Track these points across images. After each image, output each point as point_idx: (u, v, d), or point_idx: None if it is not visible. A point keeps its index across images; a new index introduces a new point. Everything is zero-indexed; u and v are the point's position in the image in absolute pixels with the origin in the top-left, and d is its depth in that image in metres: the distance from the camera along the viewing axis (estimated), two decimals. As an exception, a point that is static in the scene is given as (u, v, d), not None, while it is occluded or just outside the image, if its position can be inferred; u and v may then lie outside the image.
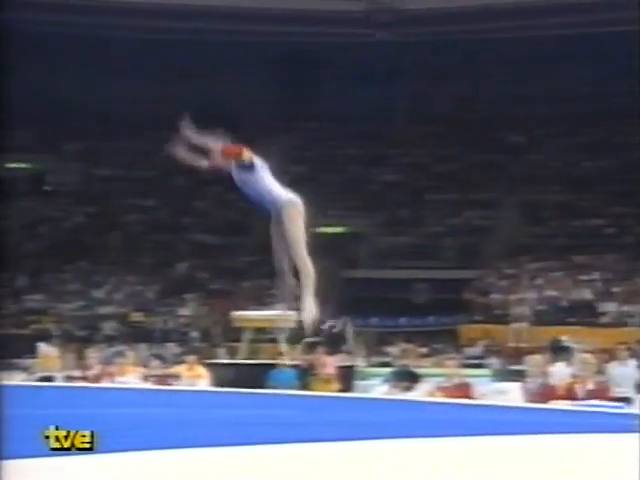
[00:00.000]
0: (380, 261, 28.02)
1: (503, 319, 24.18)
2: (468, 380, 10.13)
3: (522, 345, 21.71)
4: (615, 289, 24.79)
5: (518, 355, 18.55)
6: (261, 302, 25.32)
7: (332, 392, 12.72)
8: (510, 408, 8.42)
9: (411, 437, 5.11)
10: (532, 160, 30.08)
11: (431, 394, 9.92)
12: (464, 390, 9.66)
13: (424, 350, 21.08)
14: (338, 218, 29.53)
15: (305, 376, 14.31)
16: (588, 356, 9.73)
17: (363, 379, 16.18)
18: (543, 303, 24.84)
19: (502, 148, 30.00)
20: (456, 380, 9.89)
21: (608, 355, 12.35)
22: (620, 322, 23.49)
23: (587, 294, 24.84)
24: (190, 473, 3.79)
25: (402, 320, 25.05)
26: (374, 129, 31.12)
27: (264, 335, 20.07)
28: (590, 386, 8.90)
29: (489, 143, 30.10)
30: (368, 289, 26.40)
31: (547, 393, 8.96)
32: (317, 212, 29.47)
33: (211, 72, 31.10)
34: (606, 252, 26.34)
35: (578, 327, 23.07)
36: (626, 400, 9.43)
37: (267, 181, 6.74)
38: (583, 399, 8.73)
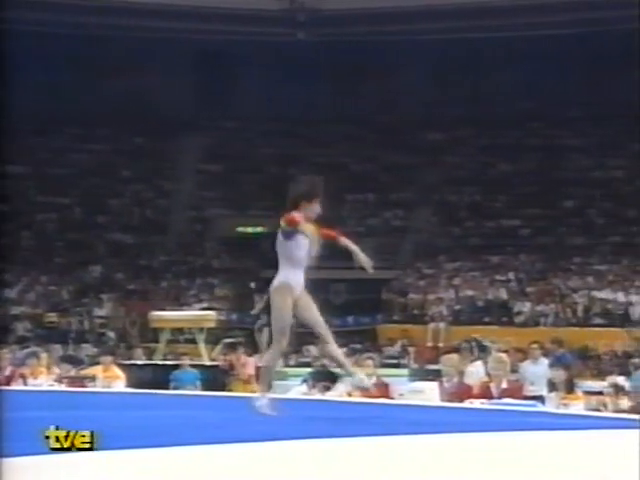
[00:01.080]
0: (299, 261, 28.07)
1: (421, 319, 24.51)
2: (386, 380, 10.27)
3: (439, 344, 22.04)
4: (529, 289, 25.36)
5: (436, 354, 18.83)
6: (179, 302, 25.17)
7: (252, 393, 12.72)
8: (427, 407, 8.55)
9: (329, 437, 5.17)
10: (449, 161, 30.56)
11: (349, 394, 10.01)
12: (382, 390, 9.79)
13: (343, 350, 21.24)
14: (257, 218, 29.51)
15: (224, 376, 14.26)
16: (502, 355, 9.97)
17: (282, 379, 16.22)
18: (460, 303, 25.26)
19: (419, 149, 30.39)
20: (374, 380, 10.01)
21: (522, 354, 12.66)
22: (534, 321, 24.06)
23: (502, 294, 25.35)
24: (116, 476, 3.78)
25: (321, 320, 25.11)
26: (292, 128, 31.20)
27: (182, 335, 19.96)
28: (504, 385, 9.11)
29: (407, 144, 30.46)
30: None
31: (463, 392, 9.15)
32: (236, 212, 29.65)
33: (131, 69, 30.71)
34: (520, 252, 26.94)
35: (494, 326, 23.56)
36: (539, 398, 9.69)
37: (282, 261, 7.09)
38: (497, 398, 8.94)
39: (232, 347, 15.20)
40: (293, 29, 29.32)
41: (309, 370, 13.23)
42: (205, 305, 23.99)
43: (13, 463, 3.65)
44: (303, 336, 25.91)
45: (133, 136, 31.01)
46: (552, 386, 9.42)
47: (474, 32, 28.21)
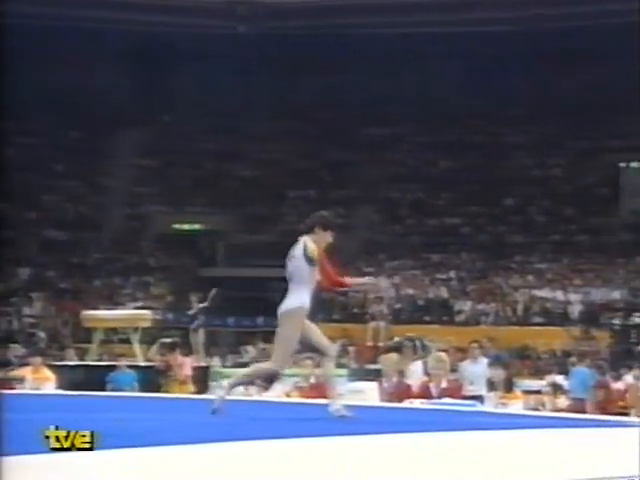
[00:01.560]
0: (237, 259, 28.03)
1: (361, 318, 24.61)
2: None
3: (380, 344, 22.15)
4: (470, 288, 25.63)
5: (376, 354, 18.93)
6: (113, 301, 24.91)
7: (188, 394, 12.67)
8: (366, 407, 8.60)
9: (267, 438, 5.17)
10: (390, 158, 30.74)
11: (288, 394, 10.02)
12: (320, 390, 9.80)
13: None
14: (194, 215, 29.34)
15: (160, 377, 14.15)
16: (442, 354, 10.06)
17: (219, 380, 16.16)
18: (400, 301, 25.42)
19: (361, 145, 30.51)
20: (312, 380, 10.02)
21: (462, 353, 12.79)
22: (474, 320, 24.32)
23: (443, 292, 25.57)
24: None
25: (260, 320, 25.12)
26: (232, 123, 31.08)
27: (116, 335, 19.77)
28: (444, 384, 9.20)
29: (348, 140, 30.55)
30: (225, 288, 26.36)
31: (402, 392, 9.21)
32: (172, 208, 29.37)
33: (66, 61, 30.24)
34: (461, 251, 27.21)
35: (434, 325, 23.76)
36: (478, 398, 9.80)
37: (300, 285, 7.01)
38: (437, 397, 9.03)
39: (169, 347, 15.08)
40: (234, 22, 29.20)
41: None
42: (140, 304, 23.77)
43: (13, 461, 3.70)
44: (240, 336, 25.85)
45: (67, 130, 30.59)
46: (491, 385, 9.53)
47: (416, 28, 28.39)
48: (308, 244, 6.95)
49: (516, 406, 8.83)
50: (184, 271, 27.15)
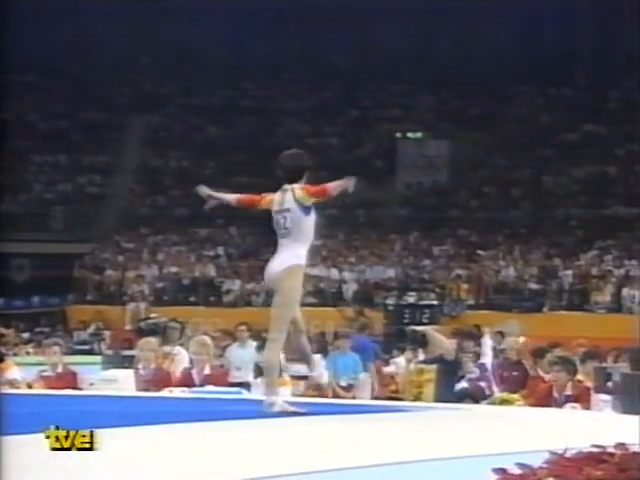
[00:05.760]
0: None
1: (119, 299, 24.37)
2: (73, 368, 10.07)
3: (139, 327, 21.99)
4: (239, 265, 25.86)
5: (134, 338, 18.74)
6: None
7: None
8: (120, 397, 8.50)
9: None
10: (152, 121, 30.40)
11: (30, 385, 9.74)
12: (68, 379, 9.59)
13: (26, 335, 20.64)
14: None
15: None
16: (205, 338, 10.09)
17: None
18: (163, 280, 25.33)
19: (118, 106, 30.01)
20: (60, 369, 9.79)
21: (229, 336, 12.88)
22: (244, 301, 24.58)
23: (210, 271, 25.67)
24: None
25: (-1, 301, 24.31)
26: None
27: None
28: (207, 371, 9.25)
29: (104, 100, 30.01)
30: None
31: (161, 380, 9.17)
32: None
33: None
34: (231, 225, 27.36)
35: (200, 307, 23.86)
36: (244, 385, 9.91)
37: (298, 239, 7.01)
38: (199, 385, 9.07)
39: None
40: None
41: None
42: None
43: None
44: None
45: None
46: (259, 371, 9.62)
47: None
48: (296, 191, 6.85)
49: (285, 392, 8.99)
50: None
